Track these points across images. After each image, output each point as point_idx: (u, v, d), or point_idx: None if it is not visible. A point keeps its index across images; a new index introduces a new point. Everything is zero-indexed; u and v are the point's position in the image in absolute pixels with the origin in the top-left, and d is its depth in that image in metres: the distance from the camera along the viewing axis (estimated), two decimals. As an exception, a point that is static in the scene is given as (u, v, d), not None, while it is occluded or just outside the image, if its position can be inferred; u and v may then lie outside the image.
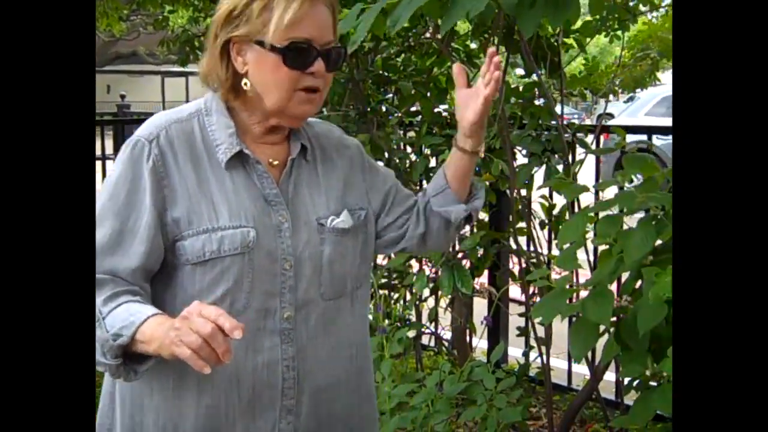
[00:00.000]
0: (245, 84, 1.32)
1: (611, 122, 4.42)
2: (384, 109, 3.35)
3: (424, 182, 3.32)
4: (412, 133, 3.43)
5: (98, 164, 4.31)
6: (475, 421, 2.11)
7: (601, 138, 3.25)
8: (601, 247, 2.28)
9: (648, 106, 10.07)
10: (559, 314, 1.89)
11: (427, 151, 3.12)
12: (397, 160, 3.13)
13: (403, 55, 3.48)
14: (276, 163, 1.38)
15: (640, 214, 1.96)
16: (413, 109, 3.45)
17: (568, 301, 1.98)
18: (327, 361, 1.39)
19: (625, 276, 2.08)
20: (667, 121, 9.01)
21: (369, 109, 3.18)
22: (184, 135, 1.33)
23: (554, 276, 2.23)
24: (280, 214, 1.35)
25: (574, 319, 2.06)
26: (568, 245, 2.07)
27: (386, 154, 3.21)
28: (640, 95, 10.57)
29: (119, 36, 17.92)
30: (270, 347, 1.32)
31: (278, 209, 1.35)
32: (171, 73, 25.29)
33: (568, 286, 1.97)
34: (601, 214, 2.16)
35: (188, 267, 1.29)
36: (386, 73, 3.33)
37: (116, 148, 4.44)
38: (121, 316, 1.20)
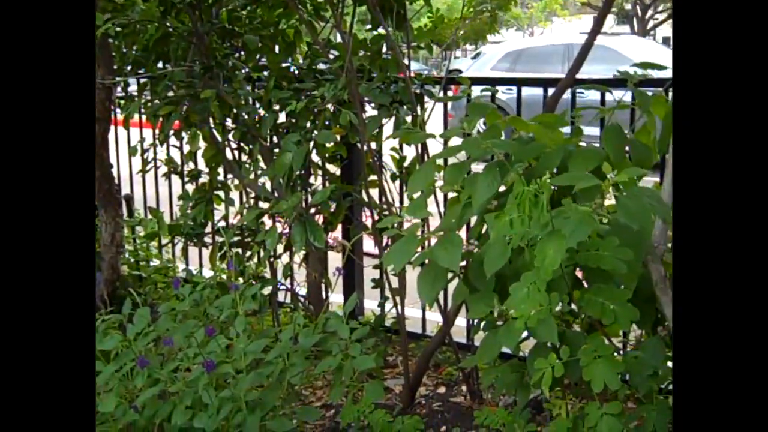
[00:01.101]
0: None
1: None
2: (230, 64, 3.26)
3: (274, 138, 3.27)
4: (262, 91, 3.36)
5: None
6: (331, 372, 2.12)
7: (450, 93, 3.31)
8: (450, 195, 2.33)
9: (493, 61, 10.37)
10: (410, 262, 1.93)
11: (276, 107, 3.06)
12: (246, 116, 3.06)
13: (248, 8, 3.38)
14: None
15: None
16: (261, 63, 3.37)
17: (419, 249, 2.02)
18: None
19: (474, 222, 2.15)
20: (511, 75, 9.34)
21: (214, 64, 3.07)
22: None
23: (406, 226, 2.26)
24: None
25: (424, 265, 2.10)
26: (417, 194, 2.11)
27: (233, 110, 3.13)
28: (485, 51, 10.87)
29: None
30: None
31: None
32: None
33: (418, 234, 2.01)
34: (450, 163, 2.21)
35: None
36: (231, 27, 3.22)
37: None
38: None
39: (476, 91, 3.11)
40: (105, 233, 3.71)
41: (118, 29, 2.92)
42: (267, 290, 2.88)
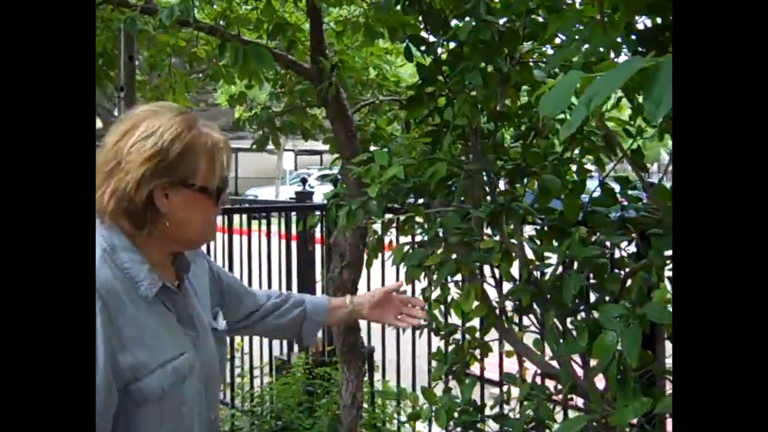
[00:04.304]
0: (166, 223, 1.41)
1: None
2: (516, 207, 2.67)
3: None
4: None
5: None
6: None
7: None
8: None
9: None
10: None
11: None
12: (539, 275, 2.44)
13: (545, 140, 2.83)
14: (176, 284, 1.50)
15: None
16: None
17: None
18: None
19: None
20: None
21: (501, 208, 2.50)
22: (107, 280, 1.32)
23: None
24: (192, 329, 1.48)
25: None
26: None
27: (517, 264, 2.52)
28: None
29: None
30: None
31: (188, 325, 1.47)
32: (244, 149, 25.35)
33: None
34: None
35: (149, 404, 1.33)
36: (529, 165, 2.66)
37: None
38: None
39: None
40: (345, 392, 3.19)
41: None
42: None
